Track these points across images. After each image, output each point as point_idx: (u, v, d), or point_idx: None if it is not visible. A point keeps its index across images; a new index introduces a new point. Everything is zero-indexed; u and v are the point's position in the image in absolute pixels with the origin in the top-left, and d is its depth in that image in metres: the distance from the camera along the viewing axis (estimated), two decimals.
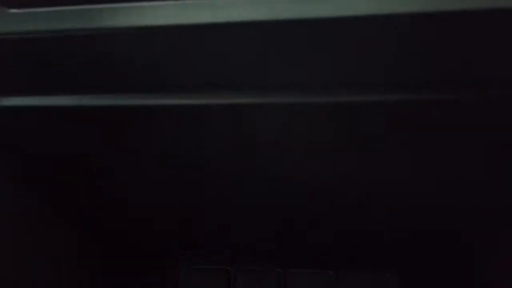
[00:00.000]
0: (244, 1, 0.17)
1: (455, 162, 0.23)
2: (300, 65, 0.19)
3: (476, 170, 0.24)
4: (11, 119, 0.24)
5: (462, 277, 0.37)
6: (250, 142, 0.24)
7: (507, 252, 0.30)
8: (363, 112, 0.21)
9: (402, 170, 0.26)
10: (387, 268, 0.38)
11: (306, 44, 0.18)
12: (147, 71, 0.20)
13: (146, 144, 0.25)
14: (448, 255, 0.37)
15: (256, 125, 0.23)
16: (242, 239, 0.38)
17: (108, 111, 0.22)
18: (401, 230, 0.35)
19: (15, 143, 0.26)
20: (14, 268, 0.29)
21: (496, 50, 0.17)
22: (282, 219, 0.34)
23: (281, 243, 0.39)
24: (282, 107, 0.21)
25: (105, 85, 0.21)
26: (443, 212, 0.30)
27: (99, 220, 0.35)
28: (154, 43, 0.18)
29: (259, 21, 0.17)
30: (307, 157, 0.25)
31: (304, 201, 0.30)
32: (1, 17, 0.19)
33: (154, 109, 0.21)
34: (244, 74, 0.20)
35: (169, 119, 0.22)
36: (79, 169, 0.28)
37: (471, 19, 0.16)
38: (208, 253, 0.40)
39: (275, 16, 0.17)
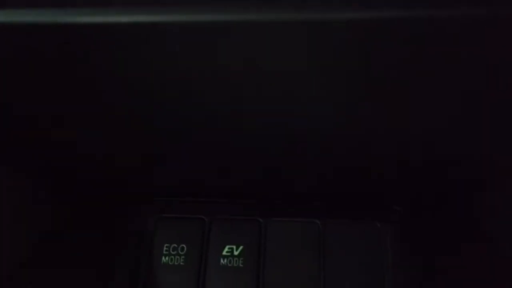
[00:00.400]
0: None
1: (450, 96, 0.22)
2: None
3: (471, 102, 0.23)
4: None
5: (458, 224, 0.34)
6: (224, 71, 0.21)
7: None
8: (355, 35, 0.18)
9: (392, 107, 0.23)
10: (378, 218, 0.35)
11: None
12: None
13: (104, 71, 0.21)
14: (442, 204, 0.35)
15: (231, 52, 0.20)
16: (219, 186, 0.35)
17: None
18: (393, 177, 0.32)
19: None
20: None
21: None
22: (263, 163, 0.30)
23: (261, 190, 0.35)
24: (261, 26, 0.18)
25: None
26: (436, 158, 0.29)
27: (53, 166, 0.32)
28: None
29: None
30: (287, 95, 0.23)
31: (287, 144, 0.28)
32: None
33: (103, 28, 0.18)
34: None
35: (123, 39, 0.19)
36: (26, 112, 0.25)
37: None
38: (181, 201, 0.37)
39: None
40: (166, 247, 0.35)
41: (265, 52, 0.20)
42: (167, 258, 0.34)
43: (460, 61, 0.19)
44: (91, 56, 0.20)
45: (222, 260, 0.34)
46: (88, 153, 0.30)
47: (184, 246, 0.34)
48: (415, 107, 0.23)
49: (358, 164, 0.31)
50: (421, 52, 0.19)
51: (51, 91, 0.23)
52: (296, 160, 0.30)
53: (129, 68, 0.21)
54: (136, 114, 0.25)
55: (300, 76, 0.21)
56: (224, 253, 0.34)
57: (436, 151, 0.29)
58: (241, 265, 0.34)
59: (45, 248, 0.34)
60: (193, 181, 0.35)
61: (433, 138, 0.27)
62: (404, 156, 0.30)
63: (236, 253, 0.34)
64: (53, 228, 0.35)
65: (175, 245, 0.34)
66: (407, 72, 0.20)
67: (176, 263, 0.34)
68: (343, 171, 0.32)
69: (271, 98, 0.22)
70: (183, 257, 0.34)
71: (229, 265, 0.34)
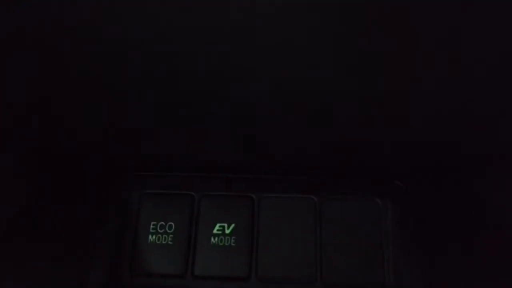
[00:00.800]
0: None
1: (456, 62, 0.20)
2: None
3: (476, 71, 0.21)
4: None
5: (463, 201, 0.32)
6: (216, 32, 0.19)
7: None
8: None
9: (396, 70, 0.21)
10: (378, 193, 0.33)
11: None
12: None
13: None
14: (447, 180, 0.33)
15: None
16: (209, 160, 0.33)
17: None
18: (396, 148, 0.30)
19: None
20: None
21: None
22: (255, 132, 0.28)
23: (254, 164, 0.33)
24: None
25: None
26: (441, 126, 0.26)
27: (32, 137, 0.29)
28: None
29: None
30: (279, 55, 0.20)
31: (282, 112, 0.25)
32: None
33: None
34: None
35: None
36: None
37: None
38: (168, 176, 0.34)
39: None
40: (153, 225, 0.32)
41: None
42: (154, 236, 0.32)
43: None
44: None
45: (212, 239, 0.32)
46: (68, 122, 0.27)
47: (172, 224, 0.32)
48: (418, 67, 0.21)
49: (357, 136, 0.29)
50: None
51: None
52: (290, 130, 0.28)
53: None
54: (121, 81, 0.22)
55: (295, 33, 0.18)
56: (215, 231, 0.32)
57: (440, 120, 0.26)
58: (233, 244, 0.32)
59: (24, 222, 0.32)
60: (181, 154, 0.32)
61: (437, 104, 0.24)
62: (406, 127, 0.27)
63: (227, 231, 0.32)
64: (32, 203, 0.33)
65: (163, 223, 0.32)
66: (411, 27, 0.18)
67: (164, 242, 0.32)
68: (341, 143, 0.30)
69: (264, 59, 0.20)
70: (171, 235, 0.32)
71: (220, 244, 0.32)
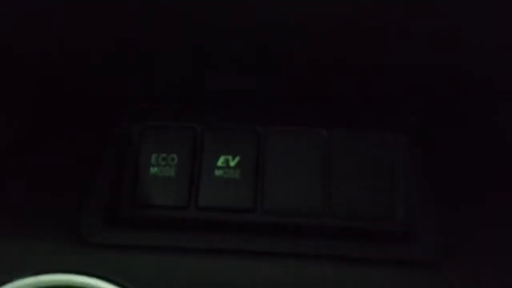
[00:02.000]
0: None
1: None
2: None
3: None
4: None
5: (480, 140, 0.31)
6: None
7: None
8: None
9: None
10: (390, 128, 0.31)
11: None
12: None
13: None
14: (464, 116, 0.31)
15: None
16: (212, 90, 0.31)
17: None
18: (410, 79, 0.28)
19: None
20: None
21: None
22: (261, 63, 0.26)
23: (260, 95, 0.31)
24: None
25: None
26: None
27: (30, 63, 0.27)
28: None
29: None
30: None
31: (288, 37, 0.23)
32: None
33: None
34: None
35: None
36: None
37: None
38: (170, 108, 0.32)
39: None
40: (155, 157, 0.31)
41: None
42: (155, 169, 0.31)
43: None
44: None
45: (216, 172, 0.31)
46: (67, 45, 0.26)
47: (175, 156, 0.31)
48: None
49: (367, 62, 0.26)
50: None
51: None
52: (297, 55, 0.26)
53: None
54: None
55: None
56: (219, 164, 0.31)
57: (456, 47, 0.24)
58: (237, 177, 0.30)
59: (15, 157, 0.31)
60: (182, 83, 0.30)
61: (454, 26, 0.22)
62: (419, 54, 0.25)
63: (232, 164, 0.31)
64: (24, 138, 0.31)
65: (165, 155, 0.31)
66: None
67: (166, 175, 0.31)
68: (351, 71, 0.28)
69: None
70: (174, 168, 0.31)
71: (225, 176, 0.30)
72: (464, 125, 0.32)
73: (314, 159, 0.31)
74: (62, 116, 0.32)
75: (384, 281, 0.26)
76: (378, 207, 0.30)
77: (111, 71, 0.29)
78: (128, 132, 0.32)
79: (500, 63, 0.26)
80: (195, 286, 0.26)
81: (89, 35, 0.24)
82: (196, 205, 0.30)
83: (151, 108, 0.32)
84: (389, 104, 0.32)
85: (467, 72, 0.28)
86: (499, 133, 0.31)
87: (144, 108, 0.32)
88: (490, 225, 0.29)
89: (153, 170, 0.31)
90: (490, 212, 0.29)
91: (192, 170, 0.31)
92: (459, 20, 0.22)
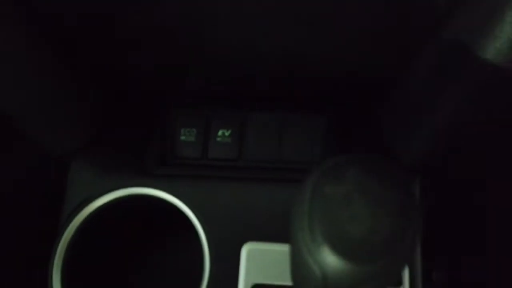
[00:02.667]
0: None
1: None
2: None
3: None
4: None
5: None
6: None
7: None
8: None
9: None
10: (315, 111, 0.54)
11: None
12: None
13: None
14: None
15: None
16: (217, 92, 0.53)
17: None
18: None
19: None
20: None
21: None
22: (247, 80, 0.48)
23: (245, 96, 0.53)
24: None
25: None
26: None
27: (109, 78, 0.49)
28: None
29: None
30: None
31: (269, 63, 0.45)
32: None
33: None
34: None
35: None
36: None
37: None
38: (192, 102, 0.54)
39: None
40: (183, 130, 0.55)
41: None
42: (183, 137, 0.55)
43: None
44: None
45: (217, 138, 0.55)
46: (135, 65, 0.49)
47: (194, 130, 0.55)
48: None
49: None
50: None
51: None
52: (270, 73, 0.49)
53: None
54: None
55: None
56: (219, 134, 0.55)
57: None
58: (229, 141, 0.54)
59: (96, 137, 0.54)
60: (200, 88, 0.54)
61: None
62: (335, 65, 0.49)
63: (226, 134, 0.55)
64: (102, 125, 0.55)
65: (189, 129, 0.55)
66: None
67: (189, 140, 0.55)
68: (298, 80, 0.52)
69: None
70: (194, 136, 0.55)
71: (222, 141, 0.54)
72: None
73: (273, 132, 0.54)
74: (135, 106, 0.56)
75: None
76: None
77: (162, 79, 0.52)
78: (169, 115, 0.56)
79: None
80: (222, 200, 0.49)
81: (148, 62, 0.48)
82: (206, 157, 0.54)
83: (181, 102, 0.56)
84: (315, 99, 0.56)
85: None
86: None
87: (177, 102, 0.56)
88: None
89: (182, 137, 0.55)
90: None
91: (204, 137, 0.55)
92: None
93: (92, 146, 0.52)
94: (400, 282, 0.46)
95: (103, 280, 0.53)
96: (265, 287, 0.46)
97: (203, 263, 0.47)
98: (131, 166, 0.52)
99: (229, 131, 0.55)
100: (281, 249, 0.47)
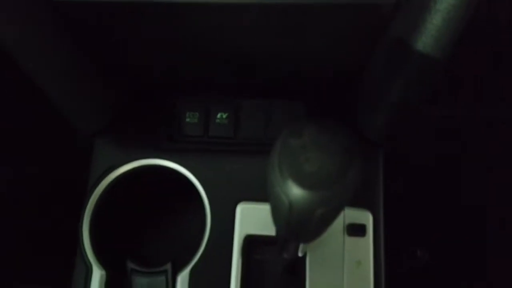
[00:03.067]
0: None
1: None
2: None
3: None
4: None
5: None
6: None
7: None
8: None
9: None
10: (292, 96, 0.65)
11: None
12: None
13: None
14: None
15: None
16: (217, 84, 0.64)
17: None
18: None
19: None
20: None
21: None
22: (239, 73, 0.60)
23: (239, 86, 0.63)
24: None
25: None
26: None
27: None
28: None
29: None
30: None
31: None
32: None
33: None
34: None
35: None
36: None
37: None
38: (197, 91, 0.66)
39: None
40: (187, 113, 0.66)
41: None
42: (188, 119, 0.66)
43: None
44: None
45: (216, 120, 0.66)
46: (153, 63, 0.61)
47: (197, 113, 0.66)
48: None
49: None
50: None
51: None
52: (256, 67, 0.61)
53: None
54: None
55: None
56: (218, 116, 0.66)
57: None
58: (226, 123, 0.66)
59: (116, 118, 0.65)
60: (203, 80, 0.66)
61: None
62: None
63: (224, 116, 0.66)
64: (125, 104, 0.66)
65: (192, 112, 0.66)
66: None
67: (193, 121, 0.66)
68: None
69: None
70: (197, 118, 0.66)
71: (220, 123, 0.66)
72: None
73: (261, 115, 0.66)
74: (150, 93, 0.67)
75: None
76: None
77: (171, 74, 0.64)
78: (176, 101, 0.67)
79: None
80: None
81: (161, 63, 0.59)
82: (207, 135, 0.66)
83: (187, 91, 0.67)
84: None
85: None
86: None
87: (183, 91, 0.67)
88: None
89: (187, 119, 0.66)
90: None
91: (205, 119, 0.66)
92: None
93: (113, 126, 0.63)
94: (363, 225, 0.57)
95: (122, 232, 0.64)
96: (255, 237, 0.58)
97: (205, 219, 0.59)
98: (146, 142, 0.63)
99: (226, 114, 0.66)
100: (268, 208, 0.58)
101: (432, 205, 1.05)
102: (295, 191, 0.36)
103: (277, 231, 0.47)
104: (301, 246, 0.50)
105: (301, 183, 0.36)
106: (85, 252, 0.57)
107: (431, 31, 0.43)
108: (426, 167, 1.00)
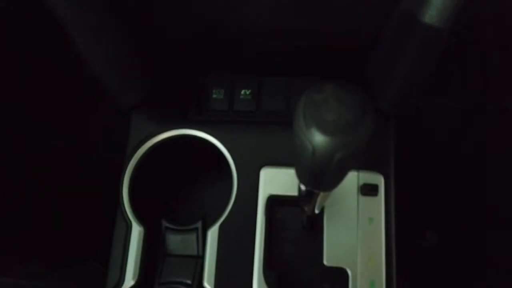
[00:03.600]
0: None
1: None
2: None
3: None
4: None
5: None
6: None
7: None
8: None
9: None
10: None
11: None
12: None
13: None
14: None
15: None
16: (241, 64, 0.71)
17: None
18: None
19: None
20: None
21: None
22: (261, 54, 0.69)
23: (261, 65, 0.71)
24: None
25: None
26: None
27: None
28: None
29: None
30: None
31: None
32: None
33: None
34: None
35: None
36: None
37: None
38: (222, 70, 0.74)
39: None
40: (214, 91, 0.73)
41: None
42: (214, 95, 0.73)
43: None
44: None
45: (240, 96, 0.73)
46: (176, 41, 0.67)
47: (222, 90, 0.73)
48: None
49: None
50: None
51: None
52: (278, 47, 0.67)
53: None
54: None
55: None
56: (241, 93, 0.73)
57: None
58: (250, 98, 0.72)
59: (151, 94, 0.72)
60: (229, 59, 0.72)
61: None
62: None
63: (247, 93, 0.73)
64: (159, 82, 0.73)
65: (218, 89, 0.73)
66: None
67: (219, 98, 0.73)
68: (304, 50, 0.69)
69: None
70: (222, 95, 0.73)
71: (244, 99, 0.72)
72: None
73: (282, 91, 0.72)
74: (182, 72, 0.74)
75: None
76: None
77: (202, 56, 0.71)
78: (204, 80, 0.74)
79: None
80: None
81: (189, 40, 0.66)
82: (232, 109, 0.72)
83: (214, 70, 0.74)
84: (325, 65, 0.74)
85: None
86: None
87: (211, 71, 0.74)
88: None
89: (214, 95, 0.73)
90: None
91: (230, 96, 0.73)
92: None
93: (148, 101, 0.70)
94: (375, 185, 0.63)
95: (157, 194, 0.71)
96: (277, 197, 0.64)
97: (232, 182, 0.65)
98: (178, 115, 0.70)
99: (249, 91, 0.73)
100: (289, 171, 0.65)
101: (442, 187, 1.09)
102: (318, 138, 0.42)
103: (300, 182, 0.54)
104: (319, 200, 0.56)
105: (323, 130, 0.42)
106: (125, 211, 0.64)
107: (437, 4, 0.49)
108: (439, 151, 1.04)
